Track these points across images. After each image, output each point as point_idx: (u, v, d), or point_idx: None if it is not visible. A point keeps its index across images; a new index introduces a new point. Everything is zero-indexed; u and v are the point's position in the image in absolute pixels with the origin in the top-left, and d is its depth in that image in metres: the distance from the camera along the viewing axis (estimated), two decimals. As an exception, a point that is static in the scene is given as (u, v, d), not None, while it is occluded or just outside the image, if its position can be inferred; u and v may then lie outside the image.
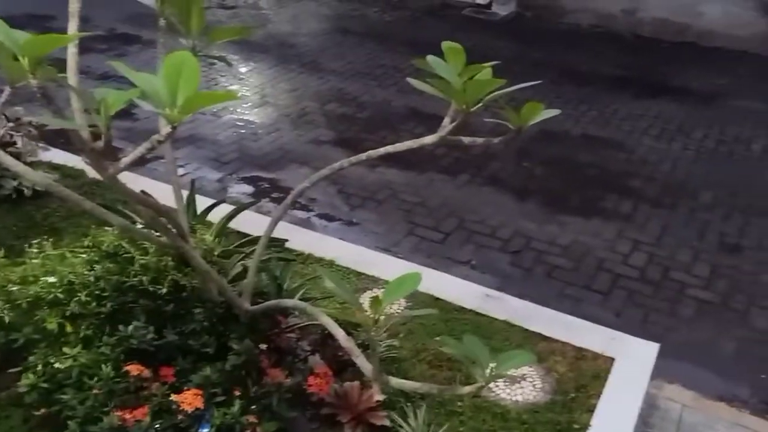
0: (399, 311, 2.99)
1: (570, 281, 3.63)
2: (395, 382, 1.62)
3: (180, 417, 1.79)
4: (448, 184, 4.48)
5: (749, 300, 3.51)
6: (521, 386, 2.57)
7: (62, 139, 4.53)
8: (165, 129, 1.40)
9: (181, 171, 4.48)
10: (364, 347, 2.61)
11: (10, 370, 2.17)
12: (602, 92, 5.95)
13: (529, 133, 5.27)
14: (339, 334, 1.67)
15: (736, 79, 6.32)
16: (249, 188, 4.38)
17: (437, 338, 2.79)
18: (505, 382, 2.59)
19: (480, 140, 1.91)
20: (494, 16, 8.08)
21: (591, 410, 2.47)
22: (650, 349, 2.77)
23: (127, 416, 1.79)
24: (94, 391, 1.87)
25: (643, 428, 2.64)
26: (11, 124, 3.53)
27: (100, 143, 1.43)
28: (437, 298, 3.08)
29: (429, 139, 1.90)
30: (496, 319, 2.92)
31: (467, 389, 1.54)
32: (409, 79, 1.81)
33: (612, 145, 5.09)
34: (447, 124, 1.86)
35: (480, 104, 1.72)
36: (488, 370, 1.54)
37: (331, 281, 1.50)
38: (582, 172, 4.70)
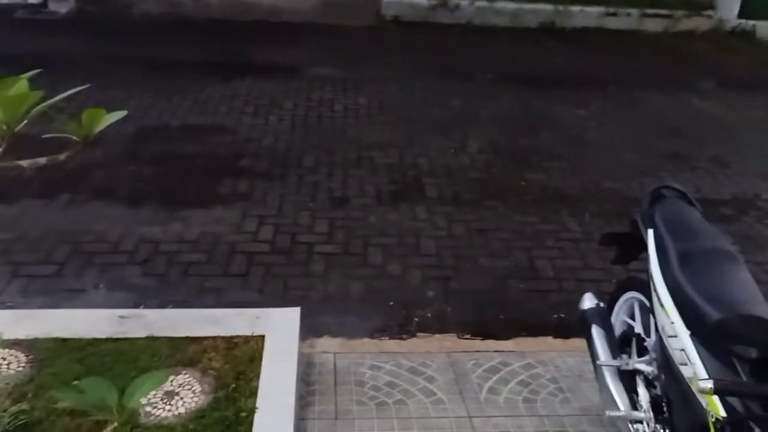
0: (20, 369, 2.55)
1: (208, 273, 3.57)
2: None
3: None
4: (47, 209, 3.96)
5: (364, 242, 3.95)
6: (181, 397, 2.44)
7: None
8: None
9: None
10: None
11: None
12: (190, 79, 5.93)
13: (125, 135, 5.00)
14: None
15: (308, 48, 6.94)
16: None
17: (75, 382, 2.47)
18: (162, 399, 2.42)
19: (43, 160, 1.68)
20: (54, 15, 7.33)
21: (254, 393, 2.48)
22: (293, 314, 2.90)
23: None
24: None
25: (306, 388, 2.78)
26: None
27: None
28: (64, 339, 2.71)
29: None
30: (137, 339, 2.70)
31: (104, 435, 1.37)
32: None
33: (214, 130, 5.13)
34: (-4, 149, 1.57)
35: (25, 121, 1.50)
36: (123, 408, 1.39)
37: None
38: (192, 163, 4.64)
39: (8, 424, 2.19)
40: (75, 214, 3.93)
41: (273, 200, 4.28)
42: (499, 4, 8.28)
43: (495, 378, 2.90)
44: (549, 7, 8.32)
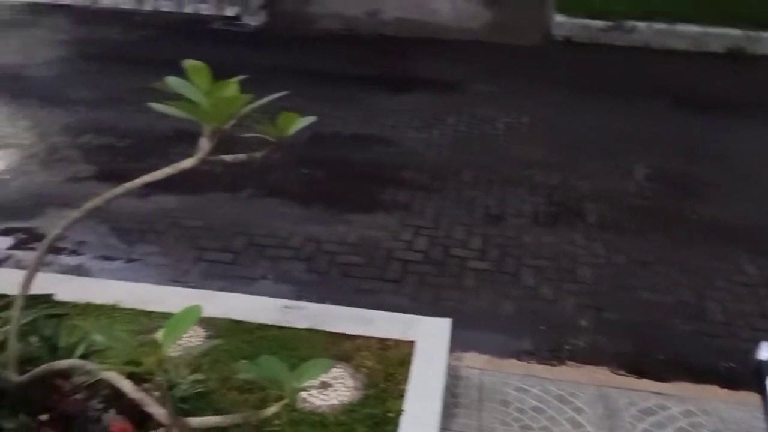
0: (199, 342, 2.84)
1: (365, 276, 3.74)
2: (195, 421, 1.53)
3: None
4: (231, 202, 4.37)
5: (517, 262, 3.92)
6: (334, 389, 2.59)
7: None
8: None
9: None
10: (170, 387, 2.45)
11: None
12: (362, 92, 6.23)
13: (303, 139, 5.36)
14: (125, 386, 1.53)
15: (473, 66, 7.01)
16: (2, 242, 3.85)
17: (243, 361, 2.71)
18: (317, 389, 2.59)
19: (243, 156, 1.88)
20: (245, 28, 8.03)
21: (402, 395, 2.57)
22: (444, 325, 2.97)
23: None
24: None
25: (452, 399, 2.82)
26: None
27: None
28: (237, 321, 2.98)
29: (187, 163, 1.82)
30: (299, 329, 2.91)
31: (271, 410, 1.51)
32: (151, 104, 1.72)
33: (381, 141, 5.35)
34: (204, 145, 1.79)
35: (233, 121, 1.69)
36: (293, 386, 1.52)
37: (102, 333, 1.37)
38: (358, 171, 4.88)
39: (185, 390, 2.45)
40: (252, 209, 4.30)
41: (430, 212, 4.38)
42: (681, 27, 7.81)
43: (650, 420, 2.76)
44: (737, 32, 7.71)
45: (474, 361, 3.11)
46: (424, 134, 5.48)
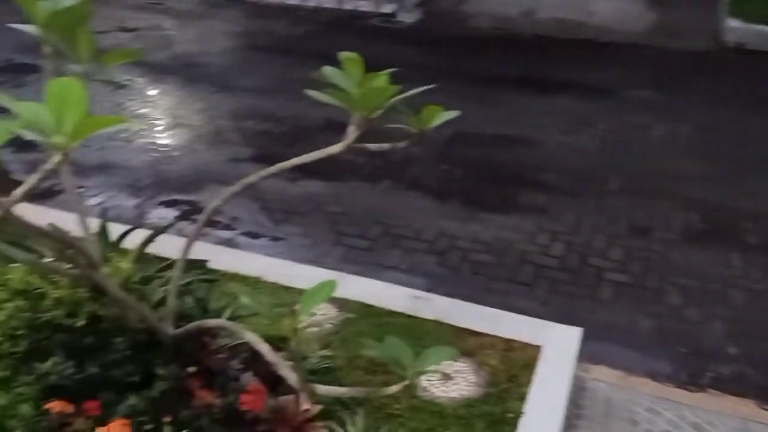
0: (331, 322, 2.99)
1: (495, 276, 3.73)
2: (322, 389, 1.62)
3: (108, 451, 1.73)
4: (370, 192, 4.52)
5: (661, 278, 3.71)
6: (455, 383, 2.62)
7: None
8: (55, 157, 1.35)
9: (94, 200, 4.32)
10: (301, 360, 2.61)
11: None
12: (509, 92, 6.16)
13: (445, 136, 5.41)
14: (263, 348, 1.65)
15: (629, 70, 6.68)
16: (168, 212, 4.27)
17: (369, 340, 2.82)
18: (439, 380, 2.63)
19: (386, 146, 1.95)
20: (401, 25, 8.23)
21: (523, 398, 2.54)
22: (574, 334, 2.88)
23: (51, 457, 1.71)
24: (14, 434, 1.78)
25: (574, 410, 2.74)
26: None
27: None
28: (368, 305, 3.10)
29: (335, 148, 1.92)
30: (426, 320, 2.96)
31: (393, 389, 1.57)
32: (307, 91, 1.83)
33: (524, 141, 5.27)
34: (352, 133, 1.88)
35: (380, 111, 1.77)
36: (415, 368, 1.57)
37: (246, 296, 1.50)
38: (498, 170, 4.85)
39: (314, 363, 2.60)
40: (390, 200, 4.42)
41: (569, 218, 4.26)
42: None
43: (797, 462, 2.51)
44: None
45: (603, 375, 2.99)
46: (570, 138, 5.32)
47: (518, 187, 4.59)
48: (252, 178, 2.07)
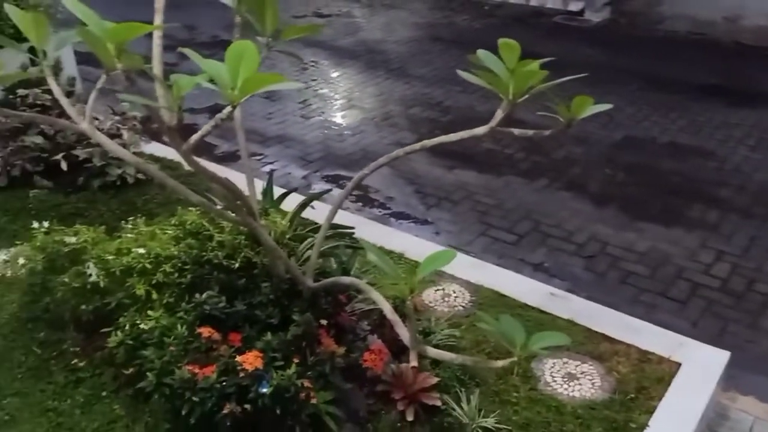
0: (463, 305, 3.05)
1: (645, 288, 3.55)
2: (432, 351, 1.70)
3: (242, 376, 1.95)
4: (525, 188, 4.49)
5: (842, 317, 3.30)
6: (579, 383, 2.57)
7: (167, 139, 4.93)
8: (226, 109, 1.56)
9: (269, 167, 4.74)
10: (425, 334, 2.71)
11: (103, 330, 2.43)
12: (695, 100, 5.73)
13: (613, 139, 5.21)
14: (385, 307, 1.77)
15: None
16: (331, 186, 4.57)
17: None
18: (563, 377, 2.59)
19: (530, 132, 1.97)
20: (587, 23, 7.95)
21: (650, 412, 2.43)
22: (720, 357, 2.69)
23: (197, 371, 1.97)
24: (171, 349, 2.07)
25: (709, 436, 2.57)
26: (118, 118, 3.88)
27: (174, 120, 1.62)
28: (502, 295, 3.12)
29: (480, 130, 1.98)
30: (559, 318, 2.92)
31: (499, 363, 1.61)
32: (459, 71, 1.90)
33: (702, 153, 4.90)
34: (498, 116, 1.92)
35: (526, 96, 1.79)
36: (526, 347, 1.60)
37: (373, 254, 1.61)
38: (666, 180, 4.57)
39: (439, 340, 2.68)
40: (545, 198, 4.36)
41: (741, 239, 3.91)
42: None
43: None
44: None
45: (750, 407, 2.75)
46: (758, 154, 4.84)
47: (687, 200, 4.30)
48: (399, 152, 2.20)
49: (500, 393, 2.49)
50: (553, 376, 2.60)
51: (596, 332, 2.83)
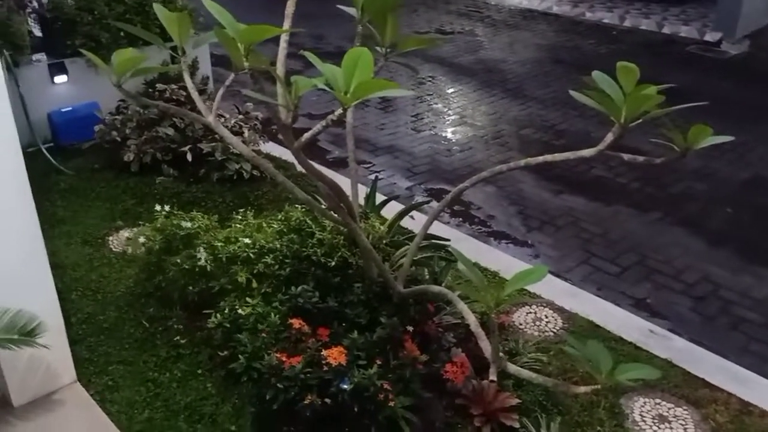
0: (554, 330, 2.98)
1: (758, 337, 3.30)
2: (512, 368, 1.69)
3: (326, 370, 2.02)
4: (635, 219, 4.31)
5: None
6: (671, 427, 2.44)
7: (281, 136, 5.18)
8: (338, 111, 1.64)
9: (378, 176, 4.86)
10: (511, 355, 2.68)
11: (205, 311, 2.60)
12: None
13: (739, 178, 4.90)
14: (471, 319, 1.78)
15: None
16: (432, 199, 4.61)
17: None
18: (653, 418, 2.48)
19: (640, 158, 1.92)
20: (723, 55, 7.52)
21: (747, 468, 2.27)
22: (837, 421, 2.46)
23: (285, 360, 2.07)
24: (263, 335, 2.18)
25: (814, 506, 2.35)
26: (241, 117, 4.14)
27: (289, 119, 1.72)
28: (597, 325, 3.03)
29: (587, 152, 1.95)
30: (656, 356, 2.79)
31: (582, 389, 1.57)
32: (571, 92, 1.88)
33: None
34: (607, 139, 1.89)
35: (639, 120, 1.74)
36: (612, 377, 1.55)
37: (463, 264, 1.63)
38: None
39: (525, 363, 2.63)
40: (655, 232, 4.16)
41: None
42: None
43: None
44: None
45: None
46: None
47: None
48: (501, 167, 2.21)
49: (583, 425, 2.41)
50: (643, 416, 2.48)
51: (695, 376, 2.68)
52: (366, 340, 2.16)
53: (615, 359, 2.66)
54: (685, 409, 2.50)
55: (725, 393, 2.58)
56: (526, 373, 1.71)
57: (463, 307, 1.90)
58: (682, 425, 2.44)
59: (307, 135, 1.79)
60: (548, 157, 2.08)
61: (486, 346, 1.70)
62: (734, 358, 3.07)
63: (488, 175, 2.22)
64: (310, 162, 2.02)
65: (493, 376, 1.63)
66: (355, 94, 1.57)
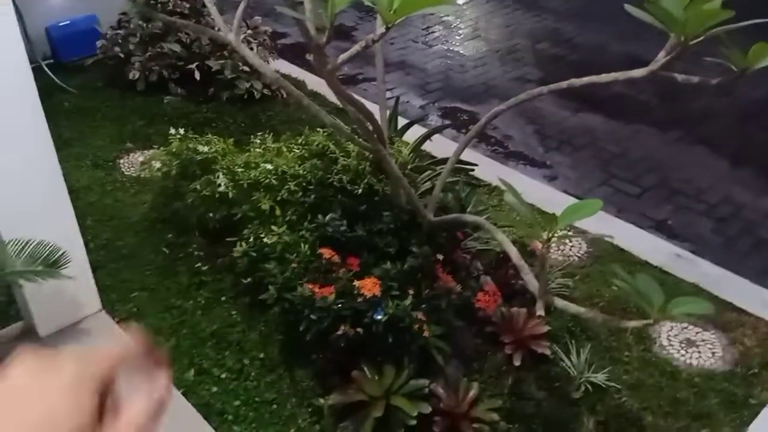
0: (579, 255, 2.95)
1: (780, 260, 3.28)
2: (560, 303, 1.65)
3: (359, 300, 1.99)
4: (655, 138, 4.21)
5: None
6: (699, 351, 2.45)
7: (290, 53, 4.96)
8: (380, 30, 1.51)
9: (388, 94, 4.69)
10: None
11: (228, 239, 2.54)
12: None
13: (758, 95, 4.73)
14: (512, 251, 1.72)
15: None
16: (447, 118, 4.48)
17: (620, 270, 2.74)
18: (681, 343, 2.48)
19: (695, 79, 1.79)
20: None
21: (775, 390, 2.29)
22: None
23: (317, 290, 2.03)
24: (293, 266, 2.13)
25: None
26: (250, 31, 3.93)
27: (323, 39, 1.59)
28: (622, 249, 2.99)
29: (638, 72, 1.82)
30: (683, 281, 2.77)
31: (633, 323, 1.53)
32: (627, 6, 1.74)
33: None
34: (661, 58, 1.76)
35: (700, 38, 1.61)
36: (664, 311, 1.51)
37: (512, 194, 1.55)
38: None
39: (551, 289, 2.61)
40: (676, 152, 4.07)
41: None
42: None
43: None
44: None
45: None
46: None
47: None
48: (523, 96, 2.08)
49: (612, 350, 2.42)
50: (670, 340, 2.49)
51: (723, 300, 2.67)
52: (398, 269, 2.11)
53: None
54: (712, 334, 2.50)
55: (753, 317, 2.57)
56: (574, 308, 1.67)
57: (502, 237, 1.84)
58: (710, 349, 2.45)
59: (343, 56, 1.66)
60: (594, 78, 1.95)
61: (530, 279, 1.65)
62: (757, 280, 3.06)
63: (526, 97, 2.10)
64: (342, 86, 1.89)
65: (540, 311, 1.59)
66: (401, 11, 1.43)
